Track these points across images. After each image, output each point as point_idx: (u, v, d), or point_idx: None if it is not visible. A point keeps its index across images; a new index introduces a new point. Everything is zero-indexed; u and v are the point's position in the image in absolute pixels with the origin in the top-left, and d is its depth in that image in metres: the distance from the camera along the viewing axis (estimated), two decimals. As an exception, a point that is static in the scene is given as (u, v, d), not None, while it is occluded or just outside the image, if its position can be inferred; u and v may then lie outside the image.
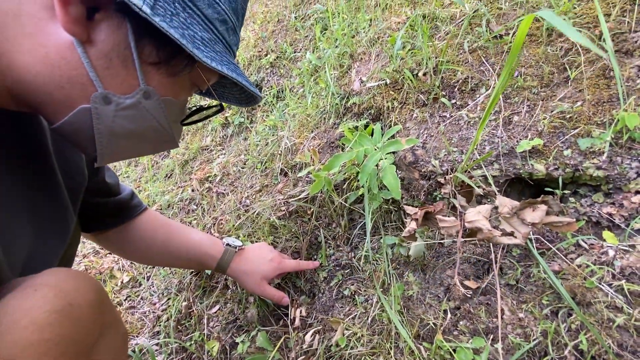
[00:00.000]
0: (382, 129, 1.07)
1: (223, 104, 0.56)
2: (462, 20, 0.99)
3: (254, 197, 1.27)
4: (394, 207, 0.94)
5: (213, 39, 0.42)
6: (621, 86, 0.67)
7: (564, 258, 0.64)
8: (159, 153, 1.78)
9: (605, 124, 0.68)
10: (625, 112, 0.64)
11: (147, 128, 0.45)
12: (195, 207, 1.47)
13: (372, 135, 0.90)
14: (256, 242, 1.12)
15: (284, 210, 1.13)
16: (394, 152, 0.91)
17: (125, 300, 1.26)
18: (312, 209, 1.08)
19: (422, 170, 0.88)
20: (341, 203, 1.02)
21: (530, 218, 0.59)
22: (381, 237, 0.91)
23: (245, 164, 1.46)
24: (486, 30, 0.93)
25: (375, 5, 1.41)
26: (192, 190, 1.54)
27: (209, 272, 1.12)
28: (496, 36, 0.90)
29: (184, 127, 0.54)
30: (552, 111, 0.75)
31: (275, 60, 1.83)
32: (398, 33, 1.05)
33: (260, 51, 1.96)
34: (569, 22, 0.80)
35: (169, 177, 1.78)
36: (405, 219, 0.89)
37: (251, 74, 1.91)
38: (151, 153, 0.52)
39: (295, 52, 1.75)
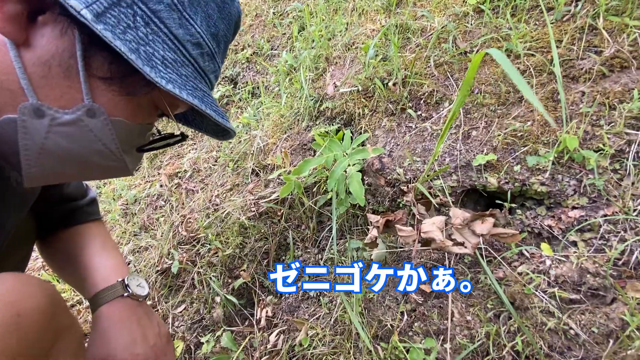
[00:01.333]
0: (352, 134, 1.10)
1: (184, 133, 0.50)
2: (432, 34, 1.03)
3: (224, 195, 1.26)
4: (361, 212, 0.97)
5: (180, 60, 0.38)
6: (565, 110, 0.74)
7: (507, 266, 0.70)
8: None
9: (550, 143, 0.75)
10: (567, 135, 0.71)
11: (90, 151, 0.39)
12: (164, 203, 1.44)
13: (342, 140, 0.93)
14: (225, 242, 1.12)
15: (254, 211, 1.13)
16: (362, 159, 0.95)
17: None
18: (282, 211, 1.10)
19: (388, 178, 0.91)
20: (311, 206, 1.04)
21: (479, 229, 0.64)
22: (347, 241, 0.94)
23: (216, 161, 1.45)
24: (452, 47, 0.97)
25: (352, 10, 1.43)
26: (161, 186, 1.51)
27: (175, 270, 1.11)
28: (461, 52, 0.95)
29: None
30: (506, 129, 0.80)
31: (251, 55, 1.81)
32: (372, 41, 1.07)
33: (236, 45, 1.92)
34: (520, 48, 0.86)
35: (136, 170, 1.72)
36: (369, 225, 0.92)
37: (227, 68, 1.87)
38: (98, 179, 0.45)
39: (272, 50, 1.74)
